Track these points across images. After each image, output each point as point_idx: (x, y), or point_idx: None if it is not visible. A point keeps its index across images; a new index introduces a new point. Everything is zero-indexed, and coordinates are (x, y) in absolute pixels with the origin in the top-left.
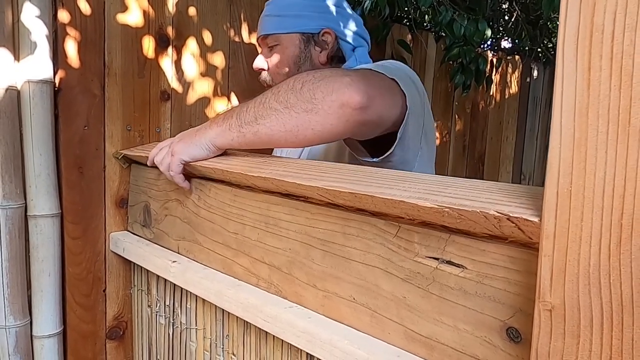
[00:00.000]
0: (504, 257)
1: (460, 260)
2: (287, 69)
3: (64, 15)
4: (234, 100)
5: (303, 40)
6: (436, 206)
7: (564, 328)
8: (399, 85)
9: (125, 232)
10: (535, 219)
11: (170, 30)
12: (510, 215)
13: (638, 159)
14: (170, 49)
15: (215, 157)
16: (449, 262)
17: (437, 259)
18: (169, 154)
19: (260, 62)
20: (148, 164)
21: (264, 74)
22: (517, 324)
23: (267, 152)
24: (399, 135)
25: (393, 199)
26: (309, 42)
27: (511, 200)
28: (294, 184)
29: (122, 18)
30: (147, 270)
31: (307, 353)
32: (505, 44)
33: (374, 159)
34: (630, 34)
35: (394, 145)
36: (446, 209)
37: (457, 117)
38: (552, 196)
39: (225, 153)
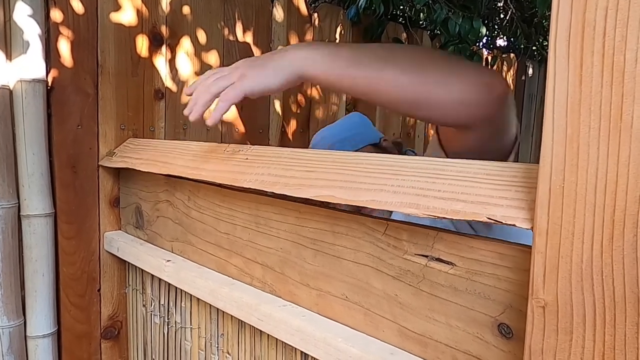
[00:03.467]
0: (492, 254)
1: (449, 257)
2: None
3: (56, 14)
4: None
5: (375, 152)
6: (424, 215)
7: (557, 325)
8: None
9: (120, 231)
10: (527, 225)
11: (164, 29)
12: (503, 222)
13: (629, 155)
14: (164, 48)
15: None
16: (438, 260)
17: (426, 256)
18: (230, 78)
19: None
20: (187, 92)
21: None
22: (508, 320)
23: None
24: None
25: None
26: (378, 151)
27: (502, 196)
28: (281, 195)
29: (116, 17)
30: (142, 270)
31: (302, 352)
32: (501, 42)
33: None
34: (621, 30)
35: None
36: (438, 218)
37: None
38: (544, 193)
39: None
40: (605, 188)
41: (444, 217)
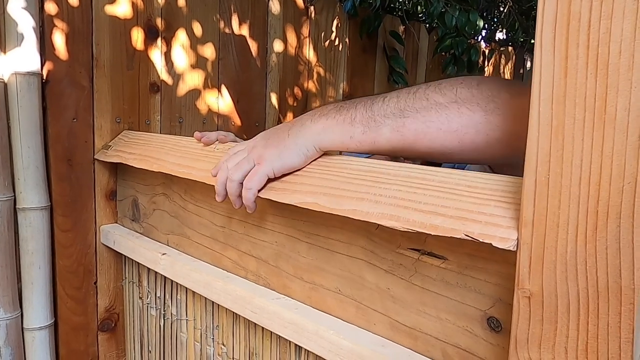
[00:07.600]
0: (484, 247)
1: (442, 251)
2: None
3: (51, 7)
4: (225, 92)
5: None
6: (404, 229)
7: (542, 315)
8: None
9: (116, 224)
10: (506, 245)
11: (159, 22)
12: (481, 240)
13: (613, 147)
14: (159, 41)
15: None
16: (431, 254)
17: (418, 250)
18: (250, 160)
19: None
20: (212, 173)
21: None
22: (497, 313)
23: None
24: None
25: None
26: None
27: (481, 211)
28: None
29: (111, 9)
30: (138, 263)
31: (295, 344)
32: (500, 35)
33: None
34: (606, 22)
35: None
36: (414, 232)
37: None
38: (530, 184)
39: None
40: (590, 179)
41: (424, 232)
